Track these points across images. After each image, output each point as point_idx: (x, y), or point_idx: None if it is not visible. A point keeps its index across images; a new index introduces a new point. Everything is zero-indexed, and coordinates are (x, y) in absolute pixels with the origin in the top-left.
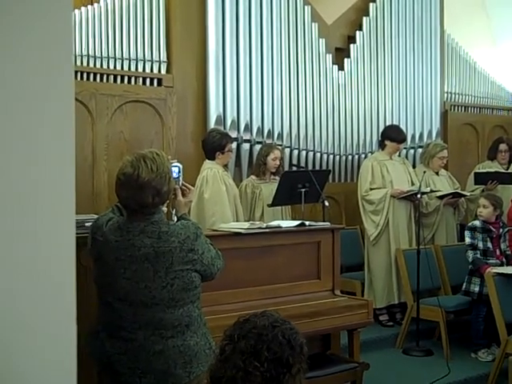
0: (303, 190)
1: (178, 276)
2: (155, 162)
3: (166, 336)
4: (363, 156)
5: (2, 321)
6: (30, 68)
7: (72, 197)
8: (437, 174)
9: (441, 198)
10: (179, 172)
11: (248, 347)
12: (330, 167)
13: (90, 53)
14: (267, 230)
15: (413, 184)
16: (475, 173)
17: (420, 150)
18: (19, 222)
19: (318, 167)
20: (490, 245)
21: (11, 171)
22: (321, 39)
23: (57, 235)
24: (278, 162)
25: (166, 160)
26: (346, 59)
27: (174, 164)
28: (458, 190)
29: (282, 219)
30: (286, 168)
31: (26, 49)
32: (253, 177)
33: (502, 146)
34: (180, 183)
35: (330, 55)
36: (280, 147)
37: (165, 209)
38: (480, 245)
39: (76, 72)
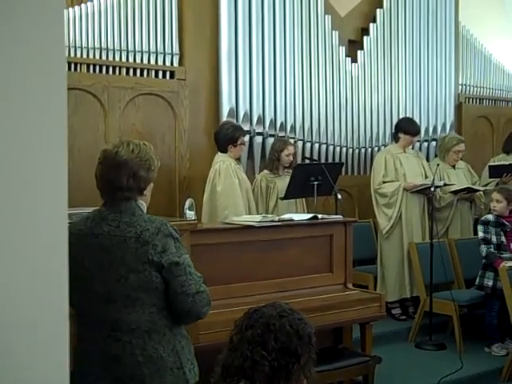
0: (316, 182)
1: (132, 271)
2: (139, 147)
3: (123, 340)
4: (376, 149)
5: None
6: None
7: (64, 190)
8: (453, 167)
9: (454, 192)
10: None
11: (255, 336)
12: (343, 160)
13: (103, 45)
14: (279, 223)
15: (426, 177)
16: (490, 166)
17: (434, 143)
18: (11, 218)
19: (330, 160)
20: (503, 239)
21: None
22: (334, 31)
23: (50, 230)
24: (291, 158)
25: (151, 151)
26: (359, 51)
27: None
28: (471, 185)
29: (297, 212)
30: (299, 162)
31: (16, 47)
32: (266, 171)
33: None
34: None
35: (344, 47)
36: (293, 141)
37: (144, 204)
38: (493, 239)
39: (88, 65)
